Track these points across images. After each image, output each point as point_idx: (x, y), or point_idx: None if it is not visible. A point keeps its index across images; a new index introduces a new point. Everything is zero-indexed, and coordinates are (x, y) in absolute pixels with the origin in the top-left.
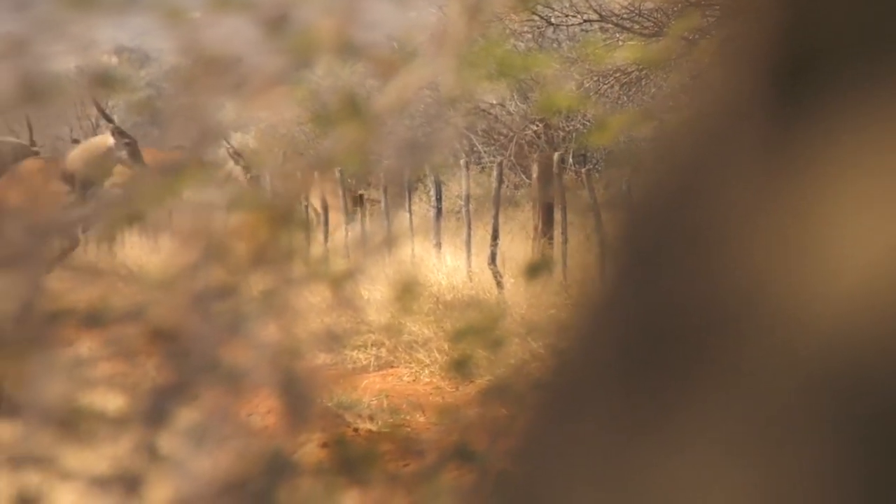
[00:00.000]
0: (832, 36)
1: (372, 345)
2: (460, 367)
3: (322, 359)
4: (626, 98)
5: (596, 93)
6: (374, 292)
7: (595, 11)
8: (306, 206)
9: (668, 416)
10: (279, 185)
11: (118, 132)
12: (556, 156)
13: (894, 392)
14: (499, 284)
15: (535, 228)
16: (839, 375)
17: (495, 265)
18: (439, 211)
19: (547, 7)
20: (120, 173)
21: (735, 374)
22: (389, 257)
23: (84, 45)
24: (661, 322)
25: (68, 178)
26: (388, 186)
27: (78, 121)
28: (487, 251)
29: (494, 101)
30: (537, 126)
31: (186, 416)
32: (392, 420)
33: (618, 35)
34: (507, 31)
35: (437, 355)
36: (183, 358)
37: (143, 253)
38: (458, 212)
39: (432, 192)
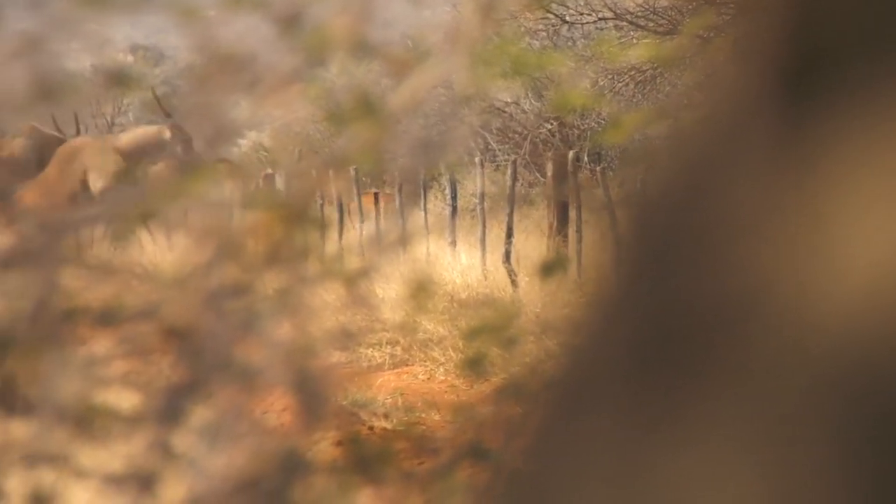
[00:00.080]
0: (841, 35)
1: (387, 343)
2: (475, 366)
3: (336, 357)
4: (640, 96)
5: (611, 91)
6: (389, 290)
7: (610, 9)
8: (321, 205)
9: (677, 414)
10: (294, 183)
11: (177, 128)
12: (570, 154)
13: None
14: (513, 283)
15: (550, 226)
16: (848, 374)
17: (510, 263)
18: (454, 209)
19: (562, 5)
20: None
21: (744, 372)
22: (404, 255)
23: (99, 44)
24: (670, 320)
25: (124, 155)
26: (402, 185)
27: (93, 119)
28: (502, 249)
29: (509, 100)
30: (552, 124)
31: (200, 414)
32: (407, 418)
33: (632, 33)
34: (522, 29)
35: (451, 353)
36: (197, 356)
37: (157, 251)
38: (473, 210)
39: (447, 191)
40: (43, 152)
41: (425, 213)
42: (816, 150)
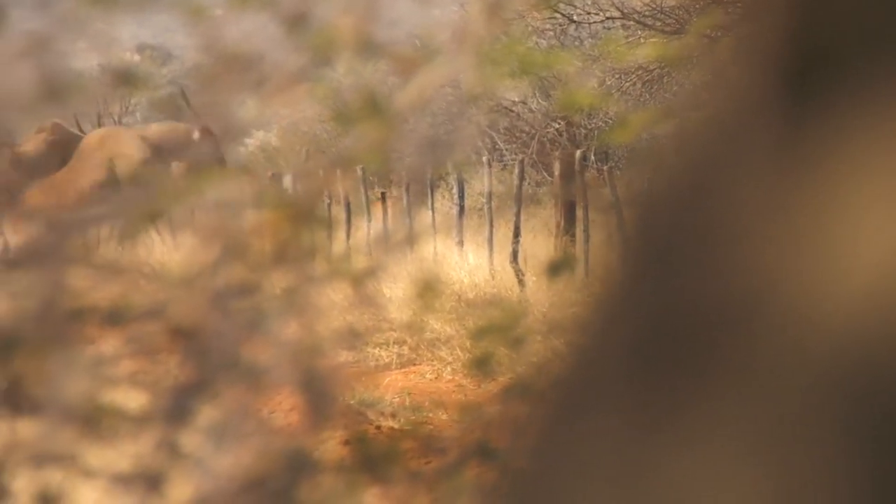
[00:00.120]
0: (844, 36)
1: (394, 342)
2: (482, 365)
3: (344, 356)
4: (647, 95)
5: (618, 90)
6: (396, 290)
7: (617, 9)
8: (328, 204)
9: (680, 414)
10: (301, 182)
11: (207, 131)
12: (577, 153)
13: None
14: (521, 282)
15: (557, 226)
16: (851, 374)
17: (517, 263)
18: (462, 208)
19: (569, 5)
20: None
21: (748, 372)
22: (411, 255)
23: (106, 43)
24: (673, 320)
25: (152, 145)
26: (410, 184)
27: (99, 118)
28: (509, 249)
29: (516, 99)
30: (559, 124)
31: (208, 413)
32: (414, 417)
33: (640, 32)
34: (529, 28)
35: (459, 353)
36: (204, 356)
37: (164, 251)
38: (481, 209)
39: (454, 190)
40: (66, 149)
41: (433, 213)
42: (820, 149)
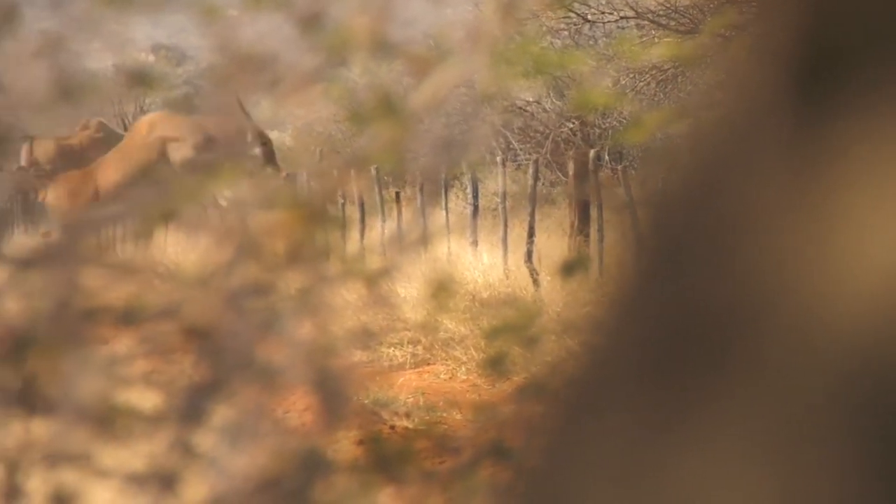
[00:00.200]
0: (856, 36)
1: (408, 342)
2: (496, 365)
3: (358, 356)
4: (662, 95)
5: (632, 90)
6: (410, 290)
7: (631, 8)
8: (342, 204)
9: (690, 414)
10: (315, 182)
11: (259, 132)
12: (592, 153)
13: None
14: (535, 282)
15: (572, 226)
16: (860, 374)
17: (531, 263)
18: (476, 208)
19: (583, 4)
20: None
21: (757, 371)
22: (425, 255)
23: (121, 43)
24: (683, 319)
25: (205, 136)
26: (424, 184)
27: (115, 118)
28: (524, 248)
29: (530, 99)
30: (573, 123)
31: (222, 413)
32: (428, 417)
33: (654, 32)
34: (543, 28)
35: (473, 353)
36: (219, 355)
37: (179, 250)
38: (495, 209)
39: (469, 190)
40: (109, 147)
41: (447, 213)
42: (832, 149)
